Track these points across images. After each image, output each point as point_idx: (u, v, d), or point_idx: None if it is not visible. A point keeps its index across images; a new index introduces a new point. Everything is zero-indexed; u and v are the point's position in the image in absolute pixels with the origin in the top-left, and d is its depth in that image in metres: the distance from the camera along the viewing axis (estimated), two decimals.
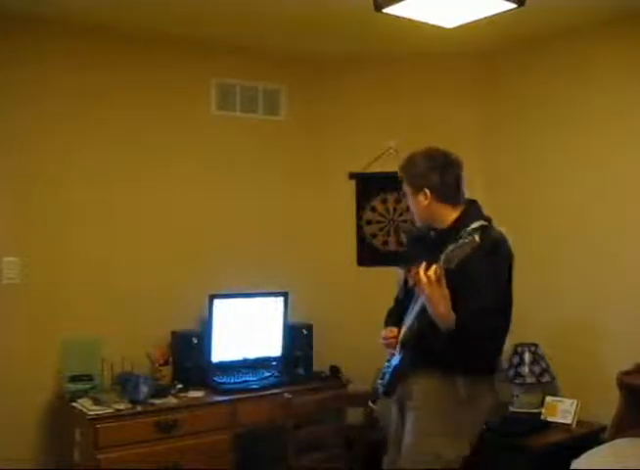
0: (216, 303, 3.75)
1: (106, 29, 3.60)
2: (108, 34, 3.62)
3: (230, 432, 3.45)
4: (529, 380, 3.63)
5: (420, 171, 2.65)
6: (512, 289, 2.66)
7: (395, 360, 2.65)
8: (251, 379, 3.70)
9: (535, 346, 3.69)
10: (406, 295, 2.68)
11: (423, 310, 2.47)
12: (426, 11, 3.00)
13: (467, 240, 2.27)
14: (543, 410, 3.57)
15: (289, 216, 4.23)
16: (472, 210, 2.68)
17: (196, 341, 3.68)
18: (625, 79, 3.50)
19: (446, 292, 2.37)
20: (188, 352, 3.65)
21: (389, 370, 2.68)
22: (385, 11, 2.88)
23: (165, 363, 3.59)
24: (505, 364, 3.72)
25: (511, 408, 3.70)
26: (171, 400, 3.41)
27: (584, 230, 3.68)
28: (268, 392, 3.60)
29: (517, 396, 3.68)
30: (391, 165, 4.05)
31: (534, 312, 3.84)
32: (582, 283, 3.66)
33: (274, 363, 3.92)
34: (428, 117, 4.16)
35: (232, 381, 3.66)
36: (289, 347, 3.95)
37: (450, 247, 2.29)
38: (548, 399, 3.60)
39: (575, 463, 2.96)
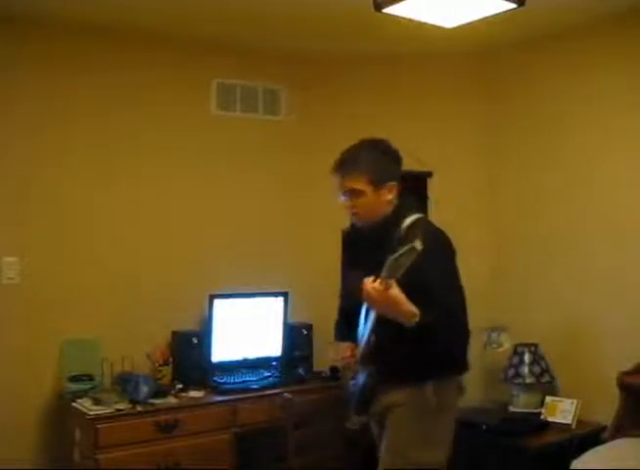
0: (216, 303, 3.75)
1: (105, 30, 3.59)
2: (107, 34, 3.62)
3: (230, 432, 3.45)
4: (529, 380, 3.63)
5: (384, 165, 2.49)
6: (461, 280, 2.49)
7: (361, 379, 2.52)
8: (251, 379, 3.70)
9: (535, 346, 3.69)
10: (356, 305, 2.47)
11: (378, 322, 2.33)
12: (426, 11, 3.00)
13: (408, 247, 2.06)
14: (543, 410, 3.58)
15: (289, 216, 4.23)
16: (406, 200, 2.55)
17: (196, 341, 3.68)
18: (625, 79, 3.50)
19: (396, 292, 2.19)
20: (188, 352, 3.65)
21: (357, 390, 2.54)
22: (385, 11, 2.88)
23: (165, 363, 3.60)
24: (505, 364, 3.73)
25: (511, 408, 3.70)
26: (171, 400, 3.41)
27: (585, 230, 3.67)
28: (268, 392, 3.60)
29: (516, 396, 3.69)
30: None
31: (534, 312, 3.85)
32: (582, 283, 3.66)
33: (274, 363, 3.92)
34: (428, 117, 4.16)
35: (232, 381, 3.66)
36: (289, 347, 3.95)
37: (392, 256, 2.09)
38: (548, 399, 3.60)
39: (575, 463, 2.96)
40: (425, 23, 3.16)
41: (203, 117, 3.97)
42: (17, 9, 3.28)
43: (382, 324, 2.32)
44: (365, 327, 2.45)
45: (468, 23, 3.18)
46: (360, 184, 2.46)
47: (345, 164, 2.50)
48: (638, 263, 3.43)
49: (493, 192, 4.13)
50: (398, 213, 2.46)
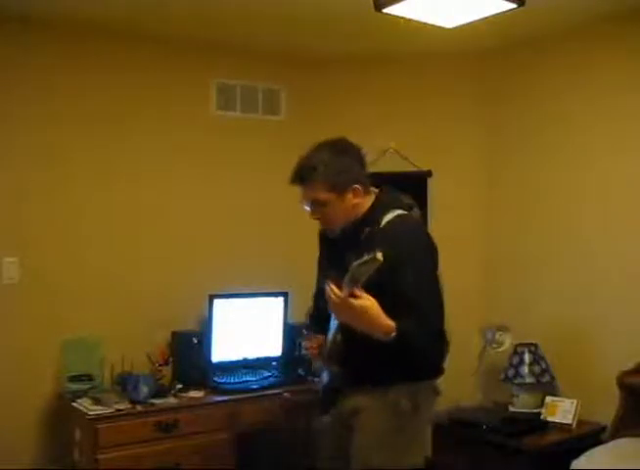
0: (216, 303, 3.75)
1: (105, 30, 3.59)
2: (107, 35, 3.62)
3: (230, 432, 3.45)
4: (529, 380, 3.63)
5: (344, 168, 2.31)
6: (440, 279, 2.37)
7: (325, 378, 2.43)
8: (251, 379, 3.70)
9: (535, 346, 3.69)
10: (327, 304, 2.29)
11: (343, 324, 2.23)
12: (426, 11, 3.00)
13: (369, 257, 1.96)
14: (543, 410, 3.57)
15: (289, 216, 4.21)
16: (385, 194, 2.41)
17: (196, 341, 3.68)
18: (625, 79, 3.50)
19: (367, 303, 2.08)
20: (188, 351, 3.65)
21: (321, 388, 2.46)
22: (385, 11, 2.88)
23: (165, 363, 3.59)
24: (505, 364, 3.73)
25: (511, 408, 3.70)
26: (171, 400, 3.40)
27: (585, 230, 3.67)
28: (268, 392, 3.60)
29: (516, 396, 3.68)
30: (392, 166, 4.08)
31: (534, 312, 3.85)
32: (583, 283, 3.66)
33: (274, 363, 3.92)
34: (428, 117, 4.16)
35: (232, 381, 3.66)
36: (289, 347, 3.95)
37: (353, 264, 2.00)
38: (548, 399, 3.60)
39: (575, 463, 2.97)
40: (425, 23, 3.16)
41: (203, 117, 3.97)
42: (15, 8, 3.28)
43: (347, 326, 2.21)
44: (333, 325, 2.33)
45: (468, 23, 3.18)
46: (321, 193, 2.31)
47: (302, 173, 2.34)
48: (638, 263, 3.43)
49: (493, 192, 4.13)
50: (375, 211, 2.34)
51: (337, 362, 2.35)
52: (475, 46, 3.94)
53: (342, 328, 2.25)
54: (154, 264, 3.77)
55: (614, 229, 3.55)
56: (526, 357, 3.66)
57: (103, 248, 3.65)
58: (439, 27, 3.24)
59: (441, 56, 4.07)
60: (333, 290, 2.10)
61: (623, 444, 3.08)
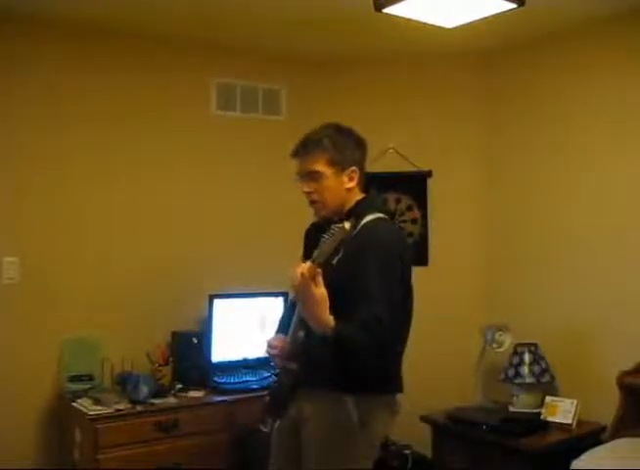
0: (216, 303, 3.75)
1: (105, 30, 3.60)
2: (107, 35, 3.62)
3: (230, 432, 3.45)
4: (529, 380, 3.63)
5: (348, 146, 2.34)
6: (411, 294, 2.31)
7: (281, 377, 2.34)
8: (251, 379, 3.70)
9: (535, 346, 3.69)
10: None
11: (304, 320, 2.16)
12: (426, 11, 3.00)
13: (336, 229, 1.97)
14: (543, 410, 3.57)
15: (289, 216, 4.21)
16: (370, 197, 2.41)
17: (196, 341, 3.68)
18: (625, 79, 3.50)
19: (320, 291, 2.04)
20: (188, 351, 3.65)
21: (274, 389, 2.38)
22: (385, 11, 2.88)
23: (165, 363, 3.59)
24: (505, 364, 3.73)
25: (511, 408, 3.70)
26: (171, 400, 3.41)
27: (585, 229, 3.67)
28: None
29: (517, 396, 3.68)
30: (392, 166, 4.08)
31: (534, 312, 3.85)
32: (583, 283, 3.66)
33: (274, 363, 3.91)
34: (428, 117, 4.16)
35: (232, 381, 3.66)
36: None
37: (321, 240, 2.01)
38: (548, 399, 3.60)
39: (575, 463, 2.96)
40: (425, 23, 3.16)
41: (203, 117, 3.97)
42: (15, 8, 3.28)
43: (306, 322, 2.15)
44: (294, 320, 2.27)
45: (468, 23, 3.18)
46: (320, 165, 2.32)
47: (307, 145, 2.37)
48: (639, 263, 3.43)
49: (493, 191, 4.13)
50: (358, 209, 2.33)
51: (296, 361, 2.28)
52: (475, 46, 3.94)
53: (305, 325, 2.17)
54: (154, 264, 3.77)
55: (614, 229, 3.55)
56: (526, 357, 3.66)
57: (103, 248, 3.65)
58: (439, 27, 3.24)
59: (441, 56, 4.07)
60: (302, 265, 2.06)
61: (623, 444, 3.08)
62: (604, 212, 3.59)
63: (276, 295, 3.95)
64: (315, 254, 2.03)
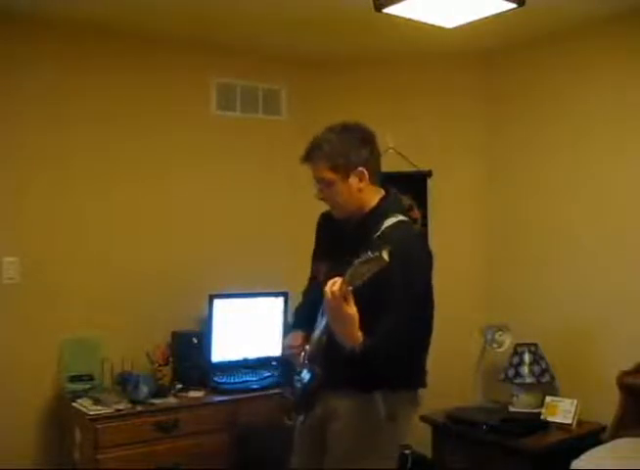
0: (216, 303, 3.75)
1: (105, 30, 3.59)
2: (107, 35, 3.62)
3: (230, 432, 3.45)
4: (529, 380, 3.63)
5: (350, 148, 2.30)
6: (432, 294, 2.35)
7: (306, 377, 2.36)
8: (251, 379, 3.70)
9: (535, 346, 3.69)
10: (317, 296, 2.26)
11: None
12: (426, 11, 3.00)
13: (374, 256, 1.93)
14: (543, 410, 3.57)
15: (289, 216, 4.23)
16: (392, 196, 2.39)
17: (196, 341, 3.68)
18: (625, 79, 3.50)
19: (352, 311, 2.06)
20: (188, 351, 3.65)
21: (301, 386, 2.38)
22: (385, 11, 2.88)
23: (165, 363, 3.59)
24: (505, 364, 3.73)
25: (511, 408, 3.70)
26: (171, 400, 3.41)
27: (585, 229, 3.67)
28: (268, 392, 3.59)
29: (517, 396, 3.68)
30: (392, 166, 4.06)
31: (534, 312, 3.85)
32: (583, 283, 3.66)
33: (274, 363, 3.91)
34: (428, 116, 4.16)
35: (232, 381, 3.66)
36: None
37: (356, 261, 1.96)
38: (548, 399, 3.60)
39: (575, 463, 2.96)
40: (425, 23, 3.16)
41: (203, 117, 3.97)
42: (17, 9, 3.28)
43: None
44: (320, 322, 2.28)
45: (468, 23, 3.18)
46: (324, 172, 2.30)
47: (309, 151, 2.35)
48: (638, 263, 3.43)
49: (493, 191, 4.13)
50: (379, 213, 2.31)
51: (320, 364, 2.31)
52: (475, 46, 3.94)
53: (330, 330, 2.20)
54: (154, 264, 3.77)
55: (614, 229, 3.55)
56: (526, 357, 3.66)
57: (103, 248, 3.65)
58: (439, 27, 3.24)
59: (441, 56, 4.07)
60: (334, 282, 2.05)
61: (623, 444, 3.07)
62: (604, 212, 3.59)
63: (276, 295, 3.95)
64: (348, 274, 2.00)
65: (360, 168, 2.30)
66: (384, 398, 2.26)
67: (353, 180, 2.30)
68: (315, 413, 2.38)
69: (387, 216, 2.27)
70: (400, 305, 2.15)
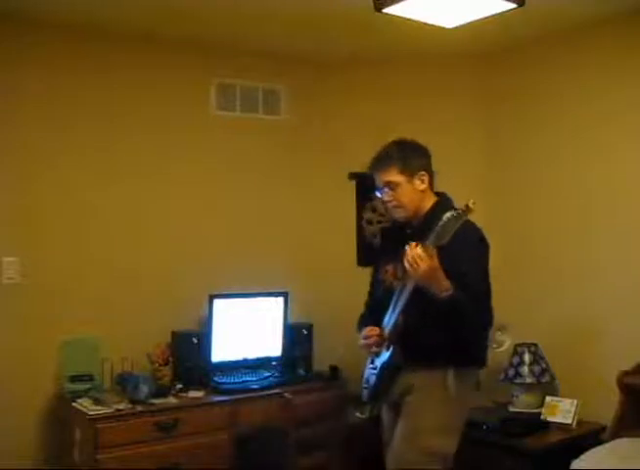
0: (216, 303, 3.75)
1: (105, 30, 3.60)
2: (107, 35, 3.62)
3: (230, 432, 3.45)
4: (529, 380, 3.63)
5: (414, 155, 2.67)
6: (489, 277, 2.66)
7: (384, 357, 2.64)
8: (251, 379, 3.70)
9: (535, 346, 3.69)
10: (384, 295, 2.69)
11: (409, 304, 2.50)
12: (426, 11, 3.00)
13: (453, 214, 2.26)
14: (543, 410, 3.57)
15: (289, 216, 4.23)
16: (444, 200, 2.71)
17: (196, 341, 3.68)
18: (625, 79, 3.50)
19: (438, 264, 2.37)
20: (188, 352, 3.65)
21: (376, 371, 2.68)
22: (385, 11, 2.88)
23: (165, 363, 3.59)
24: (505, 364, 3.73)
25: (511, 408, 3.70)
26: (171, 400, 3.41)
27: (585, 229, 3.68)
28: (268, 392, 3.60)
29: (516, 396, 3.69)
30: None
31: (534, 312, 3.85)
32: (583, 283, 3.66)
33: (274, 363, 3.92)
34: (428, 117, 4.16)
35: (232, 381, 3.66)
36: (289, 347, 3.95)
37: (440, 222, 2.28)
38: (548, 399, 3.60)
39: (575, 463, 2.96)
40: (424, 24, 3.16)
41: (203, 117, 3.97)
42: (17, 9, 3.28)
43: (412, 306, 2.48)
44: (393, 313, 2.58)
45: (468, 23, 3.18)
46: (393, 175, 2.65)
47: (378, 161, 2.70)
48: (639, 263, 3.43)
49: (493, 191, 4.12)
50: (437, 210, 2.56)
51: (398, 342, 2.58)
52: (474, 46, 3.94)
53: (405, 311, 2.51)
54: (154, 264, 3.77)
55: (613, 229, 3.55)
56: (526, 357, 3.66)
57: (103, 248, 3.65)
58: (439, 27, 3.24)
59: (441, 56, 4.07)
60: (415, 250, 2.34)
61: (623, 444, 3.08)
62: (604, 212, 3.59)
63: (276, 295, 3.95)
64: (433, 236, 2.29)
65: (423, 172, 2.67)
66: (455, 374, 2.54)
67: (417, 182, 2.66)
68: (393, 391, 2.64)
69: (443, 212, 2.45)
70: (473, 277, 2.47)
